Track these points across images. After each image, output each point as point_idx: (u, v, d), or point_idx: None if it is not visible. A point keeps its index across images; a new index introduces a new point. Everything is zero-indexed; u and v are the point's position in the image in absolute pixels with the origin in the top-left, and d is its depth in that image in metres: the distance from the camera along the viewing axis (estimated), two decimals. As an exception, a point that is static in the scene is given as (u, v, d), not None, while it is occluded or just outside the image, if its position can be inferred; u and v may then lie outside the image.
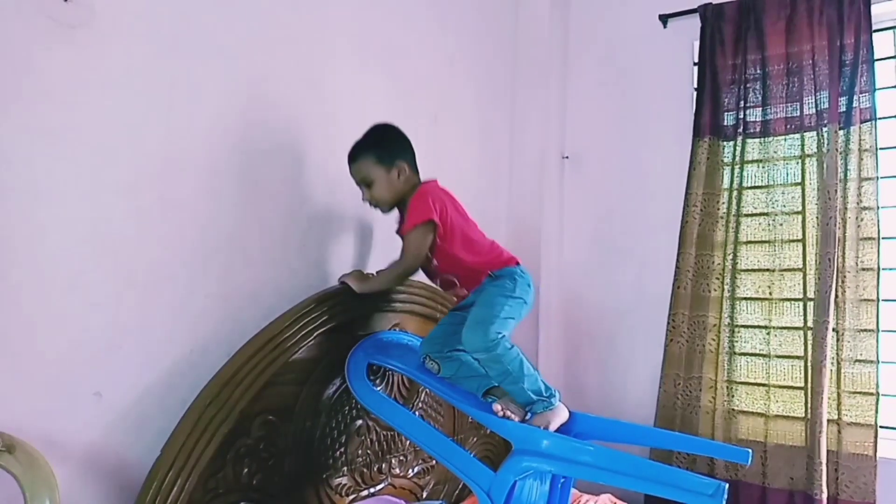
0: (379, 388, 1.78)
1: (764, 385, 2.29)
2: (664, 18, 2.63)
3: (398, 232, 1.77)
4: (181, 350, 1.48)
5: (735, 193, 2.38)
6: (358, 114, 1.97)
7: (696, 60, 2.55)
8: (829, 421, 2.15)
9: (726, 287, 2.37)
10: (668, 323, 2.45)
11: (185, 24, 1.50)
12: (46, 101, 1.26)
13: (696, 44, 2.54)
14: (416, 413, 1.95)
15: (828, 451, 2.14)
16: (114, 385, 1.36)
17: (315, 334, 1.66)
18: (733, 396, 2.34)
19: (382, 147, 1.70)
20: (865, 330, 2.15)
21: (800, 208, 2.29)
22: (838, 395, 2.16)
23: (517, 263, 1.71)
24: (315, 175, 1.84)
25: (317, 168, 1.84)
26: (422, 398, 1.98)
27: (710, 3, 2.46)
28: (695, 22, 2.52)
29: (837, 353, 2.17)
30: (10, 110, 1.21)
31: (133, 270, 1.40)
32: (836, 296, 2.19)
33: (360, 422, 1.80)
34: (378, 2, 2.07)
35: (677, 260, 2.45)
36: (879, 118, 2.20)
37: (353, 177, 1.74)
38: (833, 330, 2.17)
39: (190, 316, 1.51)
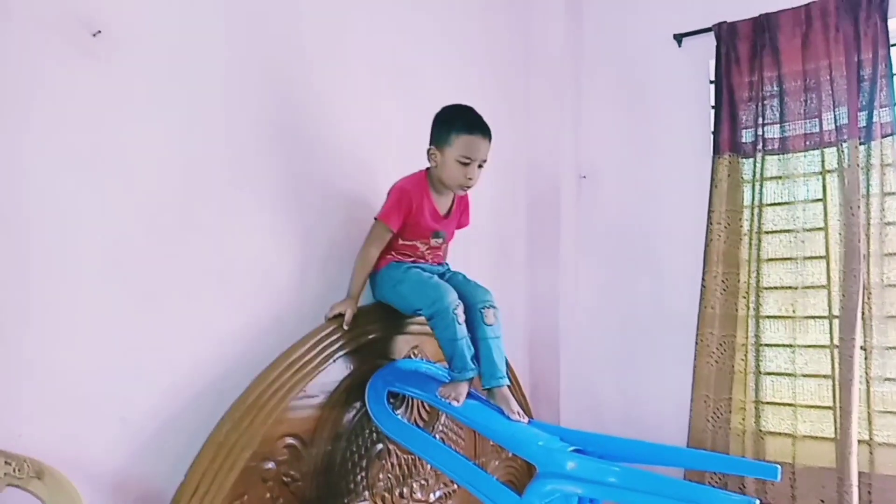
0: (399, 412, 1.77)
1: (791, 405, 2.25)
2: (679, 38, 2.64)
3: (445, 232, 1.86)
4: (204, 374, 1.49)
5: (756, 210, 2.36)
6: (373, 134, 2.00)
7: (713, 78, 2.55)
8: (859, 442, 2.10)
9: (751, 305, 2.34)
10: (697, 343, 2.42)
11: (203, 52, 1.53)
12: (72, 128, 1.29)
13: (712, 62, 2.54)
14: (437, 437, 1.93)
15: (859, 473, 2.08)
16: (138, 410, 1.37)
17: (335, 357, 1.67)
18: (761, 417, 2.30)
19: None
20: (893, 347, 2.11)
21: (822, 225, 2.26)
22: (868, 414, 2.11)
23: None
24: (334, 198, 1.86)
25: (335, 190, 1.86)
26: (442, 421, 1.97)
27: (725, 22, 2.47)
28: (710, 40, 2.52)
29: (866, 372, 2.12)
30: (38, 137, 1.24)
31: (155, 294, 1.41)
32: (863, 313, 2.15)
33: (380, 446, 1.79)
34: (391, 22, 2.10)
35: (703, 279, 2.43)
36: (901, 132, 2.18)
37: (480, 153, 1.74)
38: (861, 348, 2.13)
39: (213, 339, 1.52)
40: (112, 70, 1.35)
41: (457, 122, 1.73)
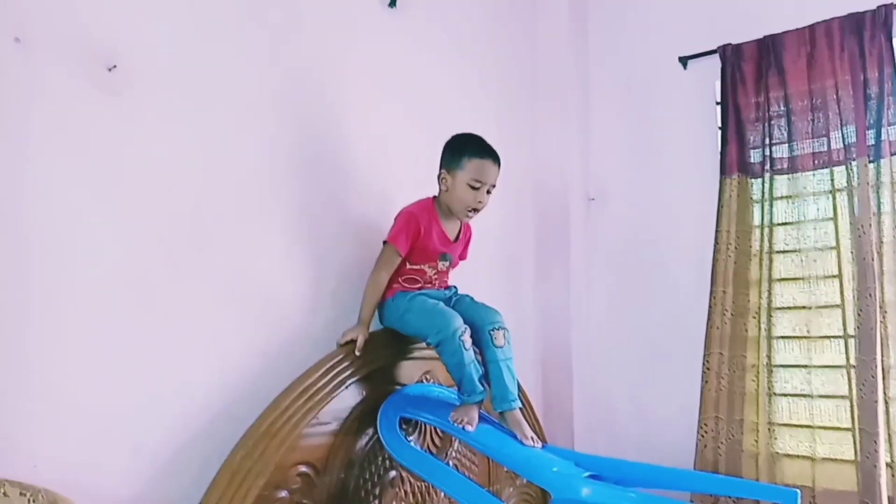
0: (411, 438, 1.76)
1: (808, 427, 2.22)
2: (684, 60, 2.66)
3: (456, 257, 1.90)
4: (217, 401, 1.49)
5: (766, 230, 2.36)
6: (386, 160, 2.02)
7: (719, 99, 2.56)
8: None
9: (763, 326, 2.32)
10: (704, 364, 2.39)
11: (216, 82, 1.56)
12: (89, 158, 1.32)
13: (718, 83, 2.56)
14: (450, 463, 1.91)
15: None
16: (151, 438, 1.37)
17: (347, 383, 1.67)
18: (776, 439, 2.26)
19: None
20: (911, 367, 2.08)
21: (834, 244, 2.25)
22: (889, 436, 2.07)
23: None
24: (346, 224, 1.87)
25: (347, 217, 1.88)
26: (455, 447, 1.95)
27: (730, 44, 2.49)
28: (715, 62, 2.54)
29: (884, 392, 2.09)
30: (58, 167, 1.27)
31: (167, 321, 1.42)
32: (879, 332, 2.13)
33: (393, 473, 1.77)
34: (402, 53, 2.13)
35: (710, 299, 2.41)
36: (910, 149, 2.18)
37: (490, 177, 1.77)
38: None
39: (224, 366, 1.52)
40: (127, 101, 1.38)
41: (469, 147, 1.78)
